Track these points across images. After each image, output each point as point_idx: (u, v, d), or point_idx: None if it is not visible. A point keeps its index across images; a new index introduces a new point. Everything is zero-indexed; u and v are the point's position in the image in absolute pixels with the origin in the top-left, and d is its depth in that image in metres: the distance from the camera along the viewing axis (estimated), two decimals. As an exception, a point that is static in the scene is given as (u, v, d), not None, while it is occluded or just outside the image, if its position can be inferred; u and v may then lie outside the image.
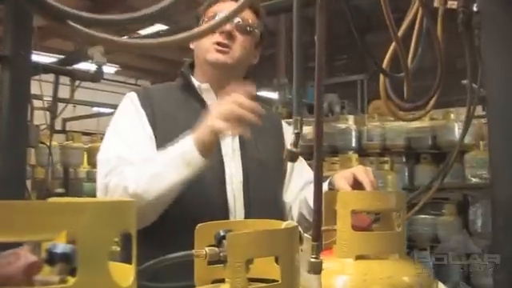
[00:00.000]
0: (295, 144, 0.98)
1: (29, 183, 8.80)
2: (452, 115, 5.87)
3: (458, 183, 5.48)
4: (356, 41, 1.37)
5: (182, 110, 1.90)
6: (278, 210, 1.96)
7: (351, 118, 6.53)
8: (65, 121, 13.28)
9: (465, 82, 1.82)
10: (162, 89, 2.01)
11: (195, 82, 1.96)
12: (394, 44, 1.40)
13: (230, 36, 1.87)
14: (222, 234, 0.93)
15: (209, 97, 1.94)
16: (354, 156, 6.03)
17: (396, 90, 1.66)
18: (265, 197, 1.89)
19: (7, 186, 3.25)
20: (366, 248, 1.20)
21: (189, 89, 1.96)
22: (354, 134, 6.39)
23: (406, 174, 6.22)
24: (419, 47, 1.55)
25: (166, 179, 1.62)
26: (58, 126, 12.02)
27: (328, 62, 13.90)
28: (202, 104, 1.92)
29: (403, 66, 1.32)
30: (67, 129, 12.23)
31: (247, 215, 1.81)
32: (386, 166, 5.96)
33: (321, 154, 0.86)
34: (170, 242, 1.42)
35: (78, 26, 0.61)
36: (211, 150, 1.66)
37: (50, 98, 5.38)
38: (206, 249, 0.91)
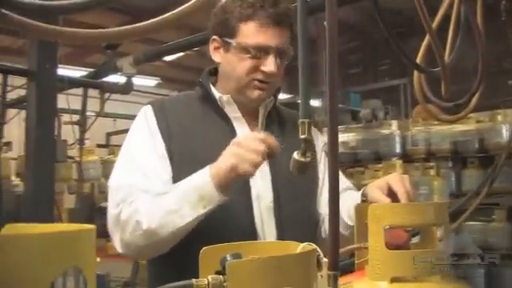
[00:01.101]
0: (303, 153, 0.84)
1: (74, 198, 8.92)
2: (499, 117, 5.62)
3: (508, 187, 5.24)
4: (395, 44, 1.22)
5: (200, 123, 1.78)
6: (312, 228, 1.82)
7: (395, 123, 6.35)
8: (108, 135, 13.46)
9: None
10: (180, 100, 1.89)
11: (216, 93, 1.82)
12: (427, 38, 1.25)
13: (273, 74, 1.73)
14: (229, 258, 0.80)
15: (230, 109, 1.81)
16: (398, 162, 5.84)
17: (436, 92, 1.51)
18: (298, 215, 1.76)
19: (36, 201, 3.21)
20: (403, 269, 1.04)
21: (208, 100, 1.83)
22: (397, 139, 6.21)
23: (453, 179, 5.98)
24: (457, 39, 1.39)
25: (181, 216, 1.54)
26: (102, 141, 12.26)
27: (371, 67, 13.73)
28: (223, 117, 1.80)
29: (438, 58, 1.16)
30: (111, 143, 12.41)
31: (280, 236, 1.67)
32: (432, 172, 5.74)
33: (336, 163, 0.72)
34: (191, 266, 1.31)
35: (12, 14, 0.49)
36: (230, 186, 1.55)
37: (94, 113, 5.39)
38: (209, 277, 0.78)
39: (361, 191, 1.65)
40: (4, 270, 0.43)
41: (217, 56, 1.84)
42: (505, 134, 5.48)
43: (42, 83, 3.22)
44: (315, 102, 9.49)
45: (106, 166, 8.83)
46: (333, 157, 0.71)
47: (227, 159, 1.51)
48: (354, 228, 1.28)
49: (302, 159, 0.85)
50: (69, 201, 9.11)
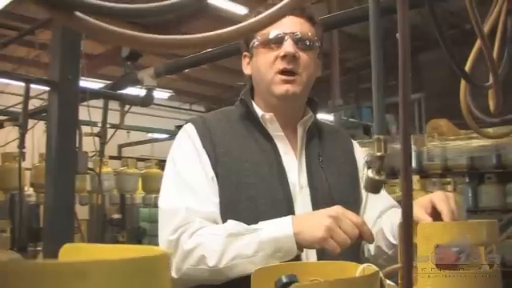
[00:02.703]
0: (379, 170, 0.80)
1: (87, 209, 8.91)
2: (517, 132, 5.56)
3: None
4: (450, 55, 1.17)
5: (243, 142, 1.74)
6: (354, 249, 1.76)
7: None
8: (120, 147, 13.49)
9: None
10: (222, 119, 1.82)
11: (258, 110, 1.80)
12: (474, 50, 1.22)
13: (293, 59, 1.70)
14: (284, 280, 0.77)
15: (272, 128, 1.77)
16: (415, 177, 5.79)
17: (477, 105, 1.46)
18: None
19: (56, 213, 3.21)
20: (453, 289, 1.01)
21: (250, 118, 1.80)
22: (413, 154, 6.16)
23: (470, 194, 5.94)
24: (505, 50, 1.35)
25: (252, 262, 1.47)
26: (113, 153, 12.26)
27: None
28: (265, 135, 1.77)
29: (492, 71, 1.13)
30: (123, 155, 12.42)
31: (320, 256, 1.62)
32: (449, 188, 5.72)
33: (410, 180, 0.69)
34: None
35: (88, 18, 0.47)
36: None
37: (109, 125, 5.36)
38: (264, 300, 0.75)
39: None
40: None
41: (247, 68, 1.83)
42: (523, 149, 5.45)
43: (64, 94, 3.21)
44: (329, 117, 9.49)
45: (119, 178, 8.85)
46: (405, 173, 0.68)
47: (317, 229, 1.45)
48: (398, 247, 1.25)
49: (377, 177, 0.82)
50: (81, 212, 9.11)
